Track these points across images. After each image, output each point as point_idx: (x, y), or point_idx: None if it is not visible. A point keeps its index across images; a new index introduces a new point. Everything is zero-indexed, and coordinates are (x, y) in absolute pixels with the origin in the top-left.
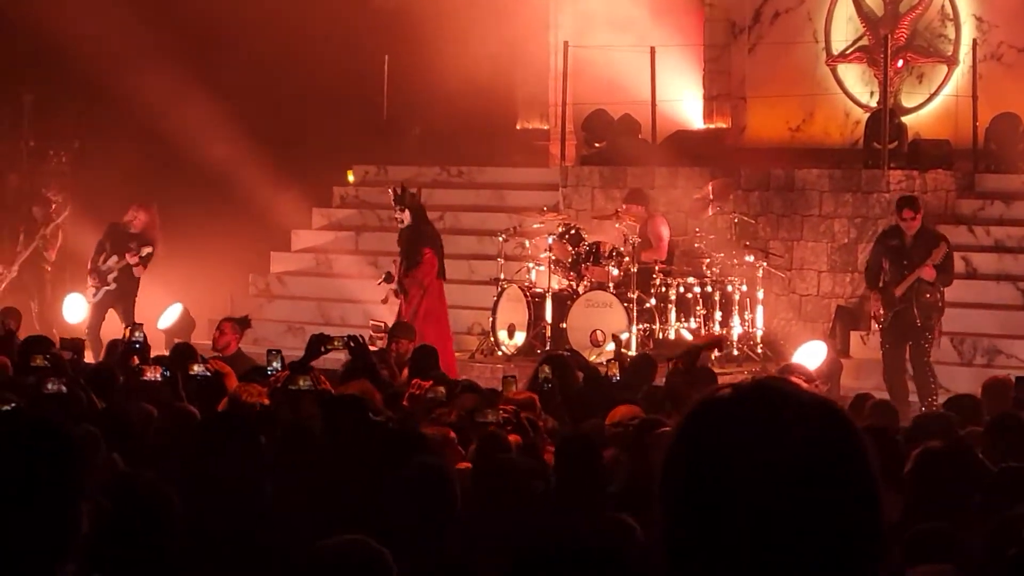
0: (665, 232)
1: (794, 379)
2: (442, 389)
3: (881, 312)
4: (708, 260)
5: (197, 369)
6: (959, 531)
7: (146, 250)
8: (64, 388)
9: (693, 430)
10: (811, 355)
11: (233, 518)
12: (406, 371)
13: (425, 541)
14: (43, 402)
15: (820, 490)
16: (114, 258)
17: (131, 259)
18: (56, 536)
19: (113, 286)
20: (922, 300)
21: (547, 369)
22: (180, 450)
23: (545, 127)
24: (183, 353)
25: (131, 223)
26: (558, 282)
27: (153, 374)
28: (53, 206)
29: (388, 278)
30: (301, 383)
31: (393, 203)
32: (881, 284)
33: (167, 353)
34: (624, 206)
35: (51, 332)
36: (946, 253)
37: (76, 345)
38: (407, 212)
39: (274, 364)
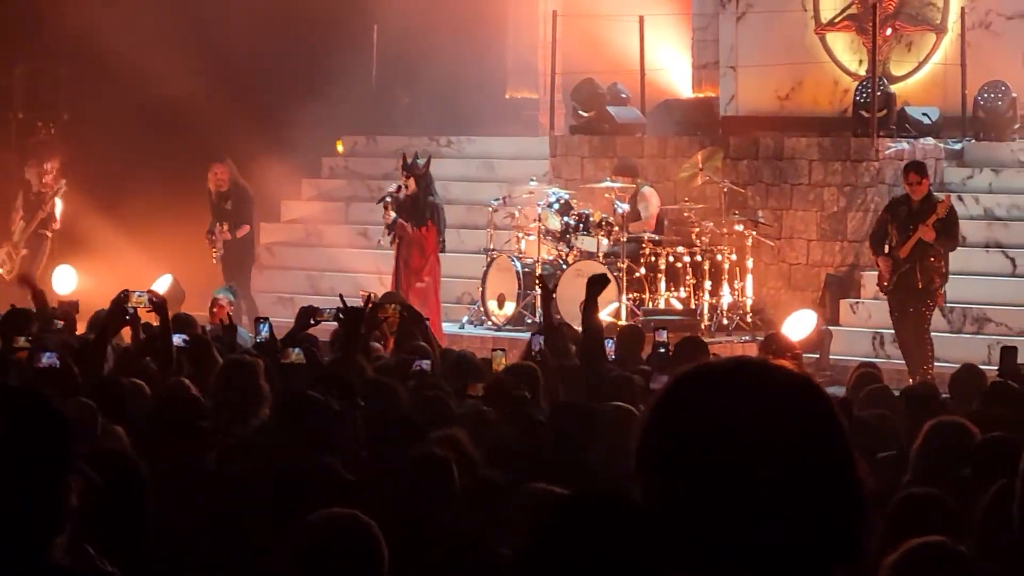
0: (654, 202)
1: (776, 353)
2: (428, 362)
3: (887, 274)
4: (697, 229)
5: (175, 340)
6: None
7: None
8: (57, 362)
9: (667, 406)
10: (800, 324)
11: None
12: (391, 340)
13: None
14: (36, 376)
15: (798, 464)
16: (217, 226)
17: (222, 235)
18: (48, 510)
19: (221, 251)
20: (925, 263)
21: (541, 341)
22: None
23: (534, 96)
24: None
25: (215, 185)
26: (548, 252)
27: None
28: (46, 178)
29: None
30: (293, 357)
31: (401, 169)
32: (887, 250)
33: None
34: (613, 176)
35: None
36: (949, 208)
37: (69, 311)
38: (412, 180)
39: (262, 333)
